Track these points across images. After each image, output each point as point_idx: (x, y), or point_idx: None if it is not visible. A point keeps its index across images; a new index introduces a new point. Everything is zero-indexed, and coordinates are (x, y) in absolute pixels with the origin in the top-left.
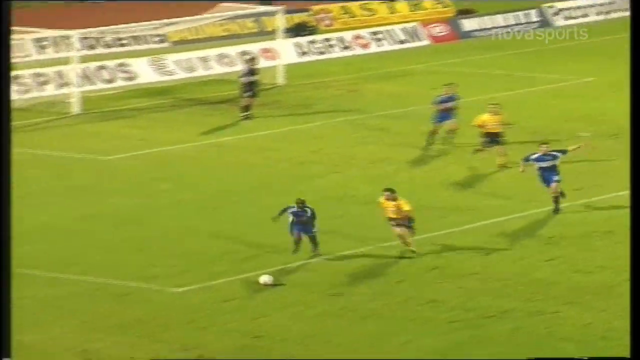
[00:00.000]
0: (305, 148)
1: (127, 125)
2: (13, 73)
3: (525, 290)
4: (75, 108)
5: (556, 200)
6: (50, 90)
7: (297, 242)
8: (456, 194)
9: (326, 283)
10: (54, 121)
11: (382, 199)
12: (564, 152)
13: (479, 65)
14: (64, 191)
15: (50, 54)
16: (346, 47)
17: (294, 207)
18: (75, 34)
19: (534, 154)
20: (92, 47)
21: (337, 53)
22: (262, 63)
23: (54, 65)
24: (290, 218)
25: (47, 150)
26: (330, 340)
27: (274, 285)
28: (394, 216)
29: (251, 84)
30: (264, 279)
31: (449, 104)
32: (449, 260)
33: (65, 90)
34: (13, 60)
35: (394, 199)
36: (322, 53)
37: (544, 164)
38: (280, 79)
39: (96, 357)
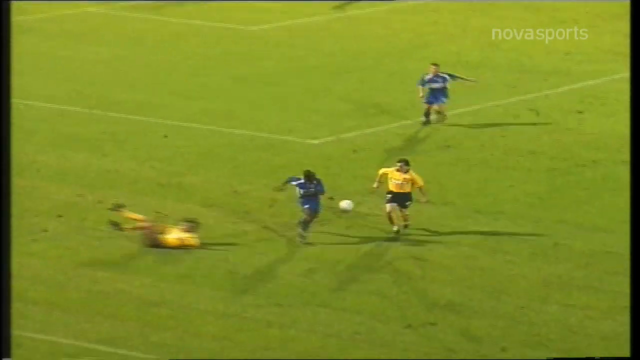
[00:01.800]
0: (423, 20)
1: None
2: None
3: (614, 143)
4: None
5: (428, 114)
6: None
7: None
8: (555, 60)
9: (440, 137)
10: None
11: (391, 169)
12: (453, 76)
13: None
14: (218, 56)
15: None
16: None
17: (300, 179)
18: None
19: (427, 74)
20: None
21: None
22: None
23: None
24: (298, 191)
25: (203, 21)
26: (445, 184)
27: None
28: (395, 190)
29: None
30: (344, 204)
31: None
32: (547, 118)
33: None
34: None
35: (406, 172)
36: None
37: (435, 85)
38: None
39: (245, 197)
